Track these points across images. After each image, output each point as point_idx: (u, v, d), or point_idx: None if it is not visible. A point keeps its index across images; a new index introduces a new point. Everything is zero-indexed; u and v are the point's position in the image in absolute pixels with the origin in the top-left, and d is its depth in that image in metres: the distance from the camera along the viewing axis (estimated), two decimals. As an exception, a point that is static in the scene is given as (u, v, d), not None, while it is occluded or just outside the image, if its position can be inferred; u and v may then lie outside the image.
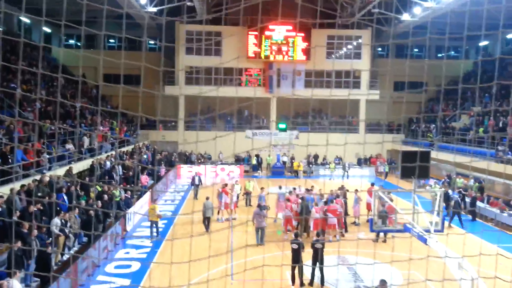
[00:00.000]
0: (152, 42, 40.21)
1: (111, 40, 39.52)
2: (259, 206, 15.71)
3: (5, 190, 12.59)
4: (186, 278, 11.54)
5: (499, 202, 19.32)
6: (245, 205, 20.44)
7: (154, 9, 29.40)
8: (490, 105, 28.27)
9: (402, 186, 20.58)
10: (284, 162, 33.07)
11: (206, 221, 16.55)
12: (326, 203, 16.63)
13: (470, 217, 19.67)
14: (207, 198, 17.03)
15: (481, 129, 25.65)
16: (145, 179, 21.70)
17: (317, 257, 11.69)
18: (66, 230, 12.69)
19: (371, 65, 36.91)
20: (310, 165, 32.55)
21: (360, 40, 36.32)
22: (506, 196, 20.48)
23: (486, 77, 28.64)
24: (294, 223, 16.52)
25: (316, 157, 33.89)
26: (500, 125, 25.11)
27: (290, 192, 17.96)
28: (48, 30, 37.60)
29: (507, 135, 22.87)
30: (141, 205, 18.66)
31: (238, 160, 33.23)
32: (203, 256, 9.67)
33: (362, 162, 33.52)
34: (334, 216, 15.59)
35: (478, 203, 19.88)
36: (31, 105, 19.93)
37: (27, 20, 32.90)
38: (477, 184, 22.50)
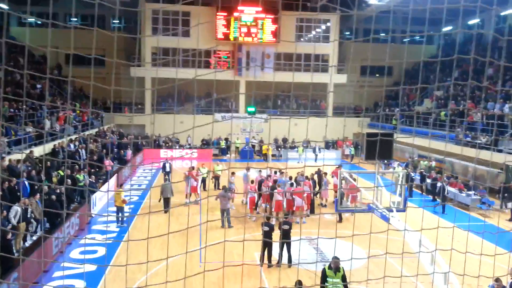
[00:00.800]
0: (116, 21, 38.87)
1: (73, 19, 37.87)
2: (223, 188, 15.85)
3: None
4: (155, 263, 11.55)
5: (458, 183, 20.21)
6: (214, 189, 20.42)
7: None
8: (451, 89, 29.26)
9: (367, 168, 21.16)
10: (253, 146, 33.16)
11: (165, 202, 16.73)
12: (292, 185, 16.92)
13: (430, 197, 20.54)
14: (165, 180, 17.91)
15: (442, 113, 26.56)
16: (109, 163, 21.17)
17: (285, 238, 11.90)
18: (28, 217, 12.28)
19: (339, 49, 37.25)
20: (279, 149, 32.81)
21: (328, 24, 36.49)
22: (464, 176, 21.46)
23: (448, 62, 29.55)
24: (264, 205, 16.74)
25: (284, 140, 34.16)
26: (461, 108, 26.08)
27: (259, 171, 18.25)
28: (4, 6, 35.53)
29: (466, 119, 23.82)
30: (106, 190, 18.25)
31: (207, 144, 33.01)
32: (172, 240, 9.61)
33: (330, 145, 34.09)
34: (300, 198, 15.90)
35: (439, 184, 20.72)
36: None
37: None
38: (431, 163, 23.46)
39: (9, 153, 15.71)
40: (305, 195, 16.17)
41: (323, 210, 17.91)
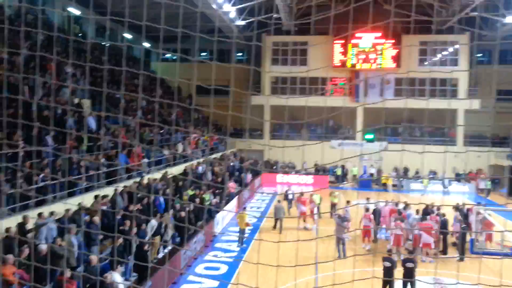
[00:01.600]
0: (240, 54, 41.76)
1: (203, 54, 41.79)
2: (339, 216, 15.40)
3: (109, 190, 13.87)
4: (272, 284, 11.65)
5: None
6: (330, 217, 19.99)
7: (243, 22, 30.51)
8: None
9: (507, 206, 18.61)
10: (372, 174, 31.83)
11: (277, 222, 17.82)
12: (421, 219, 15.57)
13: None
14: (279, 201, 18.78)
15: None
16: (232, 185, 22.40)
17: (408, 277, 11.00)
18: (162, 231, 13.55)
19: (470, 73, 34.14)
20: (400, 179, 30.88)
21: (457, 46, 33.84)
22: None
23: None
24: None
25: (406, 170, 32.06)
26: None
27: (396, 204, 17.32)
28: (147, 45, 41.01)
29: None
30: (229, 210, 19.26)
31: (323, 171, 32.74)
32: (288, 264, 9.66)
33: (461, 178, 30.90)
34: (428, 235, 14.56)
35: None
36: (133, 113, 21.80)
37: (129, 36, 36.26)
38: None
39: (148, 172, 17.70)
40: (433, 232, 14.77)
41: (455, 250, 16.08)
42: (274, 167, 33.32)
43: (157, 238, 13.34)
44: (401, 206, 17.30)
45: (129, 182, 15.58)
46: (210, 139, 27.67)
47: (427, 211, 16.25)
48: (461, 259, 14.18)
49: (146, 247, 12.03)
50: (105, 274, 9.78)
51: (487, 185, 28.62)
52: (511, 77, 30.98)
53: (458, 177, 30.59)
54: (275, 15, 30.53)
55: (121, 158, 15.83)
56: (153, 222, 13.07)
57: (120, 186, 14.69)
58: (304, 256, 13.61)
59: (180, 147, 21.92)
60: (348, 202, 17.91)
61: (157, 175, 17.69)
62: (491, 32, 30.83)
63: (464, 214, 15.94)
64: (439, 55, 34.68)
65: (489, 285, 10.54)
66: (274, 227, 18.28)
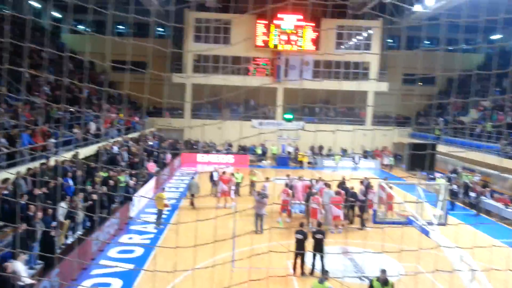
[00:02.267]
0: (160, 29, 40.16)
1: (120, 27, 39.51)
2: (258, 193, 15.92)
3: (11, 173, 12.74)
4: (190, 264, 11.72)
5: (504, 198, 19.18)
6: (249, 194, 20.48)
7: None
8: (500, 99, 27.88)
9: (406, 179, 20.48)
10: (289, 153, 33.04)
11: (191, 197, 18.39)
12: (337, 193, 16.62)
13: (474, 211, 19.57)
14: (193, 178, 19.16)
15: (489, 124, 25.34)
16: (151, 166, 21.83)
17: (318, 248, 11.75)
18: (71, 215, 12.84)
19: (380, 57, 36.52)
20: (315, 156, 32.50)
21: (370, 31, 35.90)
22: (510, 191, 20.33)
23: (498, 70, 28.21)
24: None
25: (321, 148, 33.79)
26: (510, 119, 24.81)
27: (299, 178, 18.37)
28: (57, 15, 37.69)
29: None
30: (146, 192, 18.82)
31: (244, 150, 33.25)
32: (206, 242, 9.75)
33: (369, 154, 33.38)
34: (338, 208, 15.63)
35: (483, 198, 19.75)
36: (39, 89, 20.05)
37: (37, 5, 33.00)
38: (473, 176, 22.41)
39: (56, 153, 16.51)
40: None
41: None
42: (195, 146, 33.06)
43: (67, 221, 12.65)
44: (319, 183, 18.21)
45: (34, 164, 14.44)
46: (127, 118, 26.54)
47: (340, 186, 17.38)
48: (362, 229, 15.53)
49: (52, 233, 11.33)
50: (5, 263, 9.10)
51: (391, 161, 31.28)
52: (416, 62, 33.70)
53: (366, 154, 32.96)
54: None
55: (24, 138, 14.57)
56: (63, 205, 12.33)
57: (23, 168, 13.57)
58: (223, 233, 13.82)
59: (92, 126, 20.71)
60: (267, 179, 18.41)
61: (66, 156, 16.58)
62: (401, 19, 33.11)
63: (365, 188, 17.33)
64: (354, 39, 36.53)
65: (391, 251, 11.63)
66: (191, 203, 18.34)
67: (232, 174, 19.88)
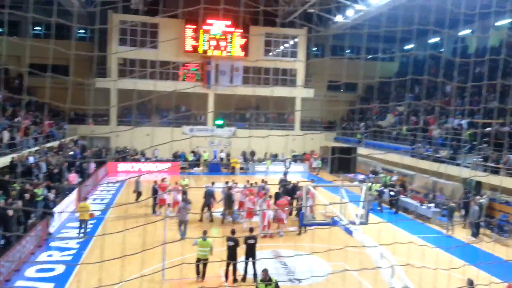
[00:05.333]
0: (82, 31, 38.09)
1: (37, 28, 36.83)
2: (183, 200, 16.06)
3: None
4: (117, 277, 11.16)
5: (419, 196, 20.83)
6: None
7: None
8: (413, 104, 30.31)
9: (331, 180, 21.45)
10: (221, 159, 33.03)
11: (138, 195, 19.16)
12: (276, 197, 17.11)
13: (393, 210, 21.02)
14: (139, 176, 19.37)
15: (404, 128, 27.44)
16: (73, 177, 20.49)
17: (250, 253, 11.84)
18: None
19: (306, 64, 37.96)
20: (247, 162, 32.84)
21: (296, 39, 37.18)
22: (425, 190, 22.13)
23: (411, 77, 30.67)
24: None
25: (252, 153, 34.23)
26: (422, 123, 27.05)
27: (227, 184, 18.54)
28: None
29: (427, 133, 24.70)
30: (67, 205, 17.65)
31: (175, 157, 32.59)
32: (134, 256, 9.35)
33: (298, 158, 34.44)
34: (283, 211, 16.23)
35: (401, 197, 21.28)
36: None
37: None
38: (392, 177, 24.16)
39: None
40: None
41: (288, 224, 17.97)
42: (122, 154, 31.72)
43: None
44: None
45: None
46: (45, 125, 24.70)
47: (286, 190, 17.93)
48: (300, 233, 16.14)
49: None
50: None
51: (318, 164, 32.57)
52: (339, 69, 35.55)
53: (295, 158, 34.02)
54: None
55: None
56: None
57: None
58: (152, 244, 13.38)
59: (5, 135, 18.99)
60: (212, 183, 18.61)
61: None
62: (325, 28, 34.72)
63: (290, 190, 18.10)
64: (281, 47, 37.61)
65: (320, 252, 12.00)
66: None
67: (176, 182, 19.69)
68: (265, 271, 9.58)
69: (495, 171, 17.68)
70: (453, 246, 14.06)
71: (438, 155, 21.54)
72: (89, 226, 15.83)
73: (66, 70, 30.93)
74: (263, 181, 19.48)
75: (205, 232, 12.12)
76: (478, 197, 17.77)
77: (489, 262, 12.63)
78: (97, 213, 17.95)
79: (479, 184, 19.70)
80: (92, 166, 24.45)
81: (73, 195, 18.56)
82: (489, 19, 26.44)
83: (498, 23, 28.99)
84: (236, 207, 18.04)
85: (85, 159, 23.52)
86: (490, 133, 18.78)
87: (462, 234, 17.03)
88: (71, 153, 24.46)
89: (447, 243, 14.82)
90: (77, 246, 14.23)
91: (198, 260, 11.73)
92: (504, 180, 16.89)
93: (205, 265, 11.82)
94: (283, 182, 20.94)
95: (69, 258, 13.23)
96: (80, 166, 22.25)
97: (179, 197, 18.10)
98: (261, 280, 9.51)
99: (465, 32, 32.84)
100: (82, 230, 15.10)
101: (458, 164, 20.06)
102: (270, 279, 9.46)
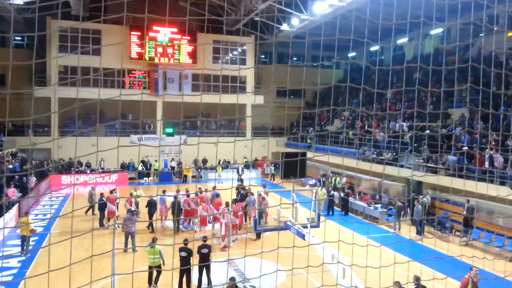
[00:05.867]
0: (18, 38, 36.01)
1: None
2: (129, 211, 15.74)
3: None
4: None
5: (367, 197, 21.69)
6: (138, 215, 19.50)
7: (21, 1, 26.31)
8: (357, 110, 31.60)
9: (285, 186, 21.77)
10: (172, 167, 32.45)
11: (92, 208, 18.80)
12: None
13: (343, 212, 21.70)
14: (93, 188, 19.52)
15: (350, 132, 28.52)
16: (12, 192, 19.16)
17: (204, 262, 11.70)
18: None
19: (255, 71, 38.41)
20: (199, 170, 32.52)
21: (244, 47, 37.56)
22: (371, 191, 23.10)
23: (355, 84, 31.99)
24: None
25: (204, 161, 33.96)
26: (366, 127, 28.27)
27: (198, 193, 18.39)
28: None
29: (372, 137, 25.82)
30: (7, 221, 16.48)
31: (123, 167, 31.54)
32: (82, 271, 8.90)
33: (250, 165, 34.63)
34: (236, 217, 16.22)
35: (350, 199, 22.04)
36: None
37: None
38: (340, 179, 25.03)
39: None
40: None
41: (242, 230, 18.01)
42: (65, 166, 30.19)
43: None
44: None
45: None
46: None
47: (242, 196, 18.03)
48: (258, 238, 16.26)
49: None
50: None
51: (272, 170, 32.93)
52: (286, 76, 36.29)
53: (247, 164, 34.20)
54: (61, -2, 27.42)
55: None
56: None
57: None
58: (100, 258, 12.84)
59: None
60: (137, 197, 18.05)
61: None
62: (271, 36, 35.36)
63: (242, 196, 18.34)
64: (230, 54, 37.80)
65: (268, 251, 12.09)
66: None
67: (130, 193, 19.02)
68: (232, 279, 9.48)
69: (434, 171, 18.84)
70: (395, 242, 14.75)
71: (382, 157, 22.59)
72: (32, 243, 14.90)
73: (3, 79, 29.06)
74: (214, 188, 19.39)
75: (154, 240, 11.90)
76: (420, 196, 18.81)
77: (432, 258, 13.39)
78: (39, 229, 16.98)
79: (420, 184, 20.87)
80: (33, 180, 23.05)
81: (13, 210, 17.37)
82: (425, 28, 28.26)
83: (432, 32, 31.07)
84: (183, 216, 17.84)
85: (25, 173, 22.12)
86: (427, 135, 20.01)
87: (408, 232, 17.93)
88: (10, 166, 22.90)
89: (393, 241, 15.52)
90: (19, 265, 13.32)
91: (150, 267, 11.52)
92: (441, 179, 18.04)
93: (158, 273, 11.56)
94: (240, 187, 21.01)
95: (10, 278, 12.34)
96: (20, 180, 20.88)
97: (113, 207, 17.73)
98: None
99: (403, 40, 34.83)
100: (25, 244, 14.24)
101: (401, 166, 21.15)
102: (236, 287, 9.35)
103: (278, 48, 42.47)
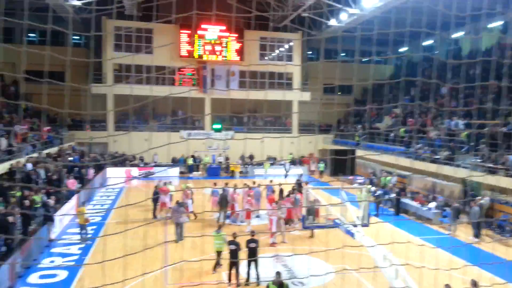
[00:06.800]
0: (76, 37, 38.05)
1: (32, 34, 36.73)
2: (177, 202, 16.37)
3: None
4: (119, 284, 11.12)
5: (420, 197, 20.90)
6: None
7: (79, 3, 27.79)
8: (410, 106, 30.53)
9: (333, 184, 21.50)
10: (220, 163, 33.05)
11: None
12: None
13: (393, 211, 21.07)
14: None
15: (402, 129, 27.59)
16: (72, 183, 20.37)
17: (252, 256, 11.83)
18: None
19: (302, 68, 38.14)
20: (246, 165, 32.88)
21: (291, 43, 37.39)
22: (424, 191, 22.25)
23: (407, 80, 30.89)
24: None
25: (251, 157, 34.26)
26: (419, 125, 27.21)
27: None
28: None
29: (425, 135, 24.86)
30: (67, 211, 17.56)
31: (174, 162, 32.59)
32: (136, 260, 9.35)
33: (296, 161, 34.49)
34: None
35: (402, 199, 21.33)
36: None
37: None
38: (388, 178, 24.23)
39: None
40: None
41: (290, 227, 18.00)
42: (121, 160, 31.61)
43: None
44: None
45: None
46: (43, 132, 24.61)
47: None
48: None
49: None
50: None
51: (320, 167, 32.60)
52: (334, 72, 35.73)
53: (294, 161, 34.10)
54: (117, -2, 28.70)
55: None
56: None
57: None
58: (153, 248, 13.36)
59: (3, 142, 18.90)
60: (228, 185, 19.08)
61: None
62: (319, 32, 34.92)
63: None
64: (276, 51, 37.78)
65: (317, 251, 12.02)
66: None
67: (187, 187, 19.77)
68: (278, 273, 9.60)
69: (493, 172, 17.83)
70: (453, 246, 14.14)
71: (436, 156, 21.68)
72: (90, 231, 15.79)
73: (62, 76, 30.83)
74: (271, 181, 19.81)
75: (219, 227, 12.95)
76: (478, 197, 17.89)
77: (491, 262, 12.73)
78: (97, 219, 17.95)
79: (478, 184, 19.85)
80: (91, 171, 24.36)
81: (73, 201, 18.48)
82: (482, 21, 26.74)
83: (490, 25, 29.33)
84: (234, 209, 18.23)
85: (84, 165, 23.43)
86: (487, 133, 18.96)
87: (464, 235, 17.11)
88: (70, 159, 24.36)
89: (449, 244, 14.91)
90: (79, 252, 14.17)
91: (218, 252, 12.44)
92: (502, 180, 17.03)
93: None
94: (298, 182, 21.19)
95: (71, 263, 13.17)
96: (79, 172, 22.15)
97: (166, 199, 18.33)
98: (273, 283, 9.44)
99: (458, 34, 33.17)
100: (83, 231, 15.13)
101: (458, 165, 20.17)
102: (282, 283, 9.42)
103: (326, 44, 41.83)
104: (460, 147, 21.32)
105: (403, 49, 40.00)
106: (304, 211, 13.98)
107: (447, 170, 20.20)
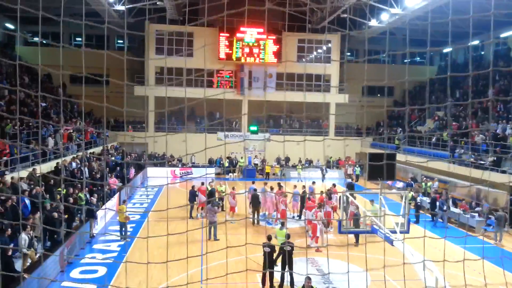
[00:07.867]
0: (120, 41, 39.50)
1: (77, 39, 38.50)
2: (209, 202, 16.59)
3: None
4: (157, 281, 11.42)
5: (463, 204, 19.98)
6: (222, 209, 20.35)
7: (122, 7, 28.84)
8: (453, 109, 29.33)
9: (371, 188, 20.99)
10: (256, 164, 33.14)
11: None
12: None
13: (441, 221, 20.16)
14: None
15: (445, 133, 26.54)
16: (113, 181, 21.15)
17: (286, 260, 11.75)
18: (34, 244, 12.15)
19: (340, 70, 37.58)
20: (282, 167, 32.77)
21: (329, 45, 36.93)
22: (468, 198, 21.26)
23: (450, 82, 29.70)
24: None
25: (287, 159, 34.12)
26: (463, 128, 26.09)
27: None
28: (11, 26, 36.21)
29: (469, 139, 23.78)
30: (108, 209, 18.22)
31: (210, 163, 33.04)
32: (173, 259, 9.55)
33: (332, 164, 34.03)
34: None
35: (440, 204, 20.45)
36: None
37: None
38: (433, 183, 23.25)
39: (12, 170, 15.72)
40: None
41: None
42: (160, 160, 32.47)
43: (32, 252, 11.86)
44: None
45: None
46: (86, 133, 25.73)
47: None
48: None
49: (9, 253, 10.66)
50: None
51: (356, 171, 31.96)
52: (374, 74, 34.98)
53: (330, 164, 33.60)
54: (158, 3, 29.56)
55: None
56: (24, 236, 11.55)
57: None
58: (190, 247, 13.59)
59: (50, 141, 19.89)
60: (233, 188, 19.00)
61: (23, 173, 15.82)
62: (358, 33, 34.28)
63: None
64: (315, 52, 37.45)
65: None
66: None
67: (233, 188, 20.17)
68: (308, 278, 9.54)
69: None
70: (502, 256, 13.41)
71: (482, 161, 20.67)
72: (129, 229, 16.28)
73: (107, 79, 32.10)
74: (313, 183, 19.89)
75: (282, 224, 13.30)
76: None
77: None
78: (137, 217, 18.49)
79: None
80: (132, 171, 25.16)
81: (114, 199, 19.15)
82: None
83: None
84: (270, 211, 18.28)
85: (126, 164, 24.23)
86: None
87: (510, 245, 16.20)
88: (112, 158, 25.27)
89: (495, 255, 14.16)
90: (118, 248, 14.65)
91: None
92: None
93: (279, 254, 12.26)
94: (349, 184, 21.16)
95: (111, 261, 13.62)
96: (121, 171, 22.93)
97: (203, 198, 18.45)
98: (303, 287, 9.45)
99: (507, 34, 31.52)
100: (123, 229, 15.61)
101: (504, 171, 19.15)
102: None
103: (366, 45, 41.00)
104: (506, 152, 20.22)
105: (447, 50, 38.52)
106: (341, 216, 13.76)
107: (492, 176, 19.20)
